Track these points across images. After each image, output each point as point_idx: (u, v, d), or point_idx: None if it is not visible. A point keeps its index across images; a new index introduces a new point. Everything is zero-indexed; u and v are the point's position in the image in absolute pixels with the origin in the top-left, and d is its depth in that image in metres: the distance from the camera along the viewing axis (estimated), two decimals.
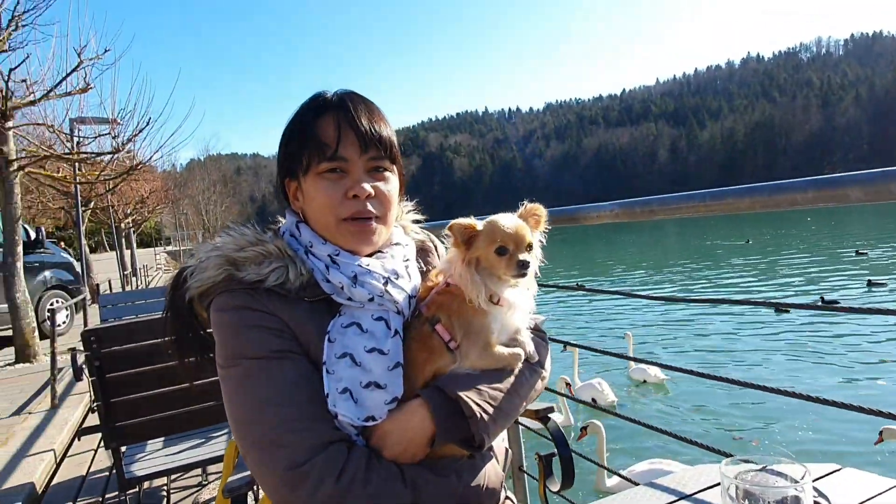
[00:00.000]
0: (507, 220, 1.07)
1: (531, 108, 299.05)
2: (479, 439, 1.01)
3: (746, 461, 0.92)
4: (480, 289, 1.04)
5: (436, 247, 1.38)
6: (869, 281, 16.82)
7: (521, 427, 2.29)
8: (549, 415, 1.61)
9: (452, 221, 1.07)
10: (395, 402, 1.02)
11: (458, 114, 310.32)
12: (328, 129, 1.06)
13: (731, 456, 0.96)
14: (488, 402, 1.03)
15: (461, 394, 1.01)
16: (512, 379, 1.10)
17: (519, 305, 1.10)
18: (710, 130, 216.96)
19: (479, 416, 1.00)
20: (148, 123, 8.89)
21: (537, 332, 1.26)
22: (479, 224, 1.07)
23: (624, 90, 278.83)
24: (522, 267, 1.04)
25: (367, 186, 1.07)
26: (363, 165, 1.08)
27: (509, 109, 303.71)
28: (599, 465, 2.65)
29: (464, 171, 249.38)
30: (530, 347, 1.17)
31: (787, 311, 12.87)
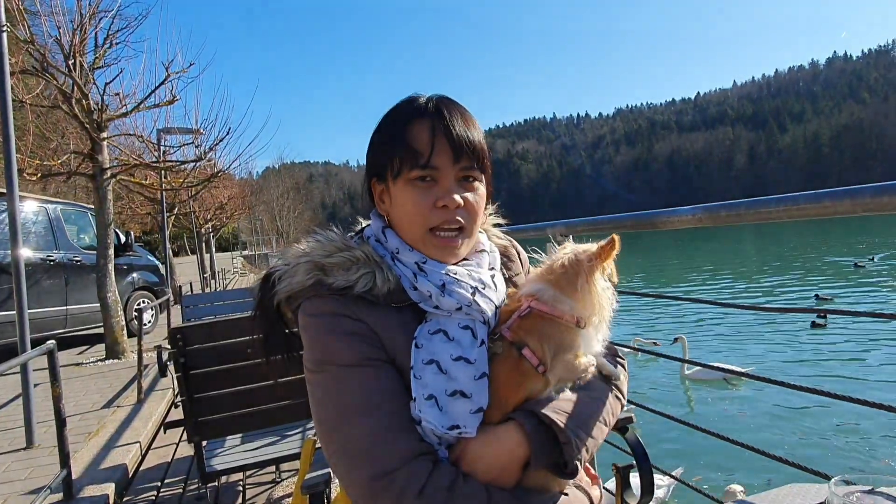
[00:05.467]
0: None
1: (600, 114, 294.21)
2: (571, 466, 0.97)
3: (852, 482, 0.86)
4: (610, 301, 1.08)
5: (518, 252, 1.34)
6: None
7: None
8: (628, 425, 1.56)
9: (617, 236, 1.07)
10: (481, 413, 1.00)
11: (525, 120, 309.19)
12: (422, 136, 1.04)
13: (828, 477, 0.90)
14: (581, 428, 1.00)
15: (555, 419, 0.98)
16: (600, 405, 1.08)
17: (602, 334, 1.12)
18: (792, 134, 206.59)
19: (573, 442, 0.97)
20: (228, 133, 9.25)
21: (616, 356, 1.24)
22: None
23: (698, 93, 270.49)
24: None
25: (457, 197, 1.05)
26: (454, 174, 1.06)
27: (577, 115, 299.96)
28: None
29: (531, 177, 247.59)
30: (610, 368, 1.16)
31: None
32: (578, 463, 0.98)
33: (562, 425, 0.97)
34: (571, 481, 1.02)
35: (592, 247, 1.08)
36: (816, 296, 17.31)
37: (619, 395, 1.16)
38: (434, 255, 1.08)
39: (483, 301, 1.07)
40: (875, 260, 25.05)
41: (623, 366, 1.24)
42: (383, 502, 0.90)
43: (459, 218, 1.06)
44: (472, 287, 1.07)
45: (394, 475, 0.91)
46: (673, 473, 2.51)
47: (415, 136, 1.04)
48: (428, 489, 0.90)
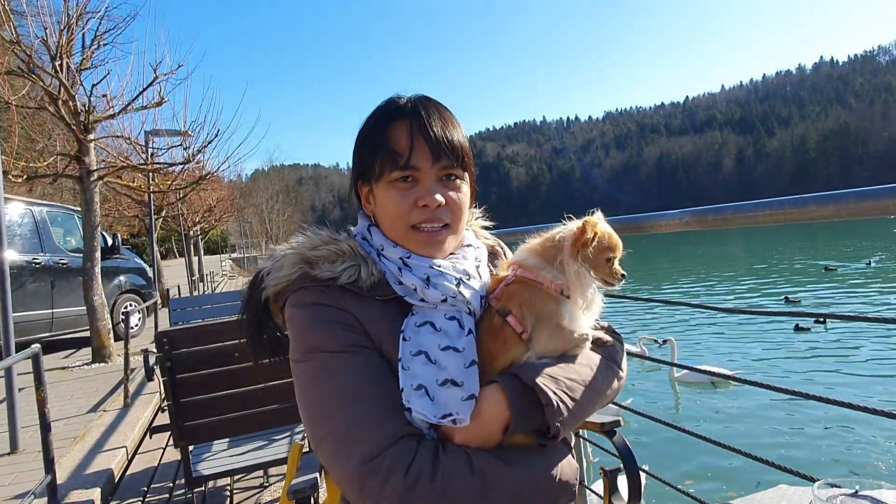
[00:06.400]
0: (613, 230, 1.13)
1: (590, 117, 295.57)
2: (554, 429, 0.98)
3: (836, 485, 0.87)
4: (587, 282, 1.08)
5: (504, 252, 1.37)
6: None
7: (582, 441, 2.23)
8: (616, 428, 1.56)
9: (592, 221, 1.09)
10: (473, 400, 1.00)
11: (515, 123, 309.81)
12: (400, 138, 1.06)
13: (814, 480, 0.91)
14: (565, 392, 1.01)
15: (538, 381, 0.99)
16: (588, 371, 1.08)
17: (593, 305, 1.12)
18: (780, 138, 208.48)
19: (555, 404, 0.98)
20: (217, 135, 9.19)
21: (612, 333, 1.25)
22: (599, 229, 1.10)
23: (687, 97, 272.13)
24: (622, 279, 1.11)
25: (438, 196, 1.07)
26: (435, 174, 1.07)
27: (567, 118, 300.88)
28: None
29: (521, 180, 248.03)
30: (602, 334, 1.18)
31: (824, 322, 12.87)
32: (561, 427, 0.99)
33: (544, 388, 0.98)
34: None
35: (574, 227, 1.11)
36: (786, 298, 17.81)
37: (614, 366, 1.16)
38: (419, 251, 1.10)
39: (468, 291, 1.09)
40: (872, 264, 25.22)
41: (620, 342, 1.24)
42: (371, 484, 0.91)
43: (442, 216, 1.08)
44: (456, 278, 1.08)
45: (381, 457, 0.92)
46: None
47: (394, 137, 1.06)
48: (414, 467, 0.91)
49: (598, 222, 1.10)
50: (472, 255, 1.17)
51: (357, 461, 0.92)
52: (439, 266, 1.08)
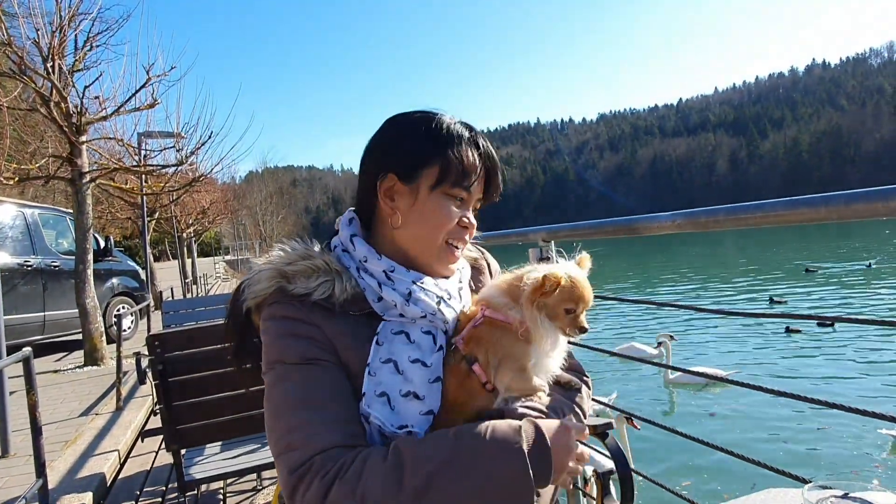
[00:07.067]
0: (585, 282, 1.10)
1: (584, 119, 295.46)
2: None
3: (827, 487, 0.87)
4: (547, 331, 1.07)
5: (489, 264, 1.39)
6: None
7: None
8: (608, 430, 1.56)
9: (548, 273, 1.05)
10: (431, 415, 1.04)
11: (509, 125, 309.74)
12: (474, 162, 1.12)
13: (806, 482, 0.91)
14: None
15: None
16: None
17: (557, 346, 1.13)
18: (773, 140, 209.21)
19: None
20: (210, 137, 9.15)
21: (581, 374, 1.30)
22: (563, 279, 1.05)
23: (680, 100, 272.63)
24: (581, 332, 1.08)
25: (473, 220, 1.16)
26: (475, 201, 1.16)
27: (562, 120, 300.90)
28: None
29: (515, 182, 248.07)
30: (568, 376, 1.24)
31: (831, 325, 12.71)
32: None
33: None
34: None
35: (540, 274, 1.07)
36: (771, 298, 18.02)
37: (579, 413, 1.20)
38: (440, 264, 1.14)
39: (447, 311, 1.11)
40: (872, 266, 25.18)
41: (588, 385, 1.28)
42: (297, 494, 0.91)
43: (467, 238, 1.16)
44: (437, 297, 1.11)
45: (307, 465, 0.92)
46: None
47: (469, 158, 1.11)
48: (333, 470, 0.90)
49: (566, 274, 1.06)
50: (455, 276, 1.20)
51: (287, 471, 0.93)
52: (422, 283, 1.11)
